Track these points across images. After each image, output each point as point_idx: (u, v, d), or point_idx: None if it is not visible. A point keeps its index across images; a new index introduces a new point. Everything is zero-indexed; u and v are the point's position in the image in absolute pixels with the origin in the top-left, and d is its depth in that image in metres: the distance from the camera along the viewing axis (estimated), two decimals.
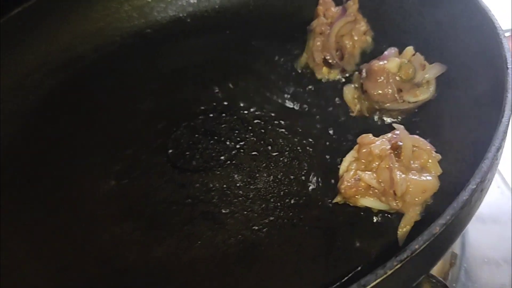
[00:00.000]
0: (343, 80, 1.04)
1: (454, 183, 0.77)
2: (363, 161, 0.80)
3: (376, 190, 0.77)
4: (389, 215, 0.80)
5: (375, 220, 0.80)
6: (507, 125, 0.66)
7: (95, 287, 0.79)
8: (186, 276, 0.78)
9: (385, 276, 0.56)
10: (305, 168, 0.89)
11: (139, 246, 0.83)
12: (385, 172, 0.76)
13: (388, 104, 0.91)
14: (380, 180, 0.76)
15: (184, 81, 1.12)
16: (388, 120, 0.94)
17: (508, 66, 0.72)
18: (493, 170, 0.66)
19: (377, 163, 0.78)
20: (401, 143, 0.78)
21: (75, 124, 1.07)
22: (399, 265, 0.56)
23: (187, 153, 0.96)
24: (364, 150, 0.80)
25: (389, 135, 0.81)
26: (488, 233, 0.92)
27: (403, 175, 0.75)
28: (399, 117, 0.92)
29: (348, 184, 0.78)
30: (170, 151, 0.97)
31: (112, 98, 1.11)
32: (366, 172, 0.78)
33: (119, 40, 1.24)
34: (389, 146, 0.78)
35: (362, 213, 0.81)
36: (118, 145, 1.00)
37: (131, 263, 0.81)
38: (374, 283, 0.56)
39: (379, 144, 0.79)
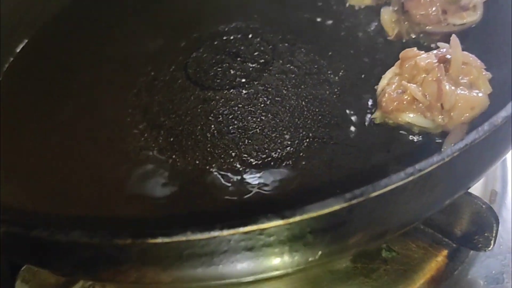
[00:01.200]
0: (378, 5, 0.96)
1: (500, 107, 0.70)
2: (406, 76, 0.74)
3: (420, 105, 0.70)
4: (430, 136, 0.73)
5: (415, 140, 0.74)
6: None
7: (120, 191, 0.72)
8: (210, 190, 0.72)
9: (441, 163, 0.49)
10: (337, 90, 0.83)
11: (162, 154, 0.78)
12: (432, 85, 0.70)
13: (430, 27, 0.84)
14: (426, 94, 0.70)
15: (210, 4, 1.04)
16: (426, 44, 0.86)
17: None
18: None
19: (422, 76, 0.71)
20: (449, 57, 0.71)
21: (96, 38, 1.02)
22: (457, 153, 0.49)
23: (210, 72, 0.89)
24: (407, 65, 0.74)
25: (434, 51, 0.74)
26: None
27: (452, 87, 0.68)
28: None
29: (390, 96, 0.71)
30: (191, 70, 0.90)
31: (132, 14, 1.05)
32: (411, 84, 0.70)
33: None
34: (436, 60, 0.71)
35: (400, 132, 0.75)
36: (138, 61, 0.94)
37: (153, 172, 0.75)
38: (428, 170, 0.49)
39: (426, 56, 0.72)
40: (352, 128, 0.77)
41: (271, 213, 0.49)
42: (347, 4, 0.98)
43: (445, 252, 0.75)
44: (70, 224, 0.64)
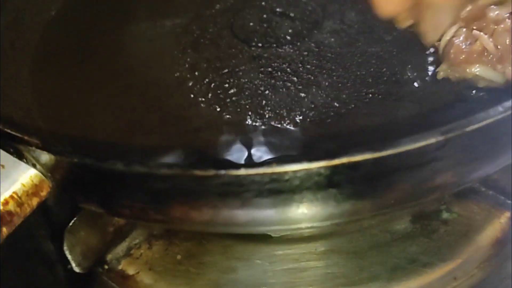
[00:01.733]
0: None
1: None
2: (472, 27, 0.70)
3: (491, 57, 0.67)
4: (496, 91, 0.69)
5: (480, 95, 0.70)
6: None
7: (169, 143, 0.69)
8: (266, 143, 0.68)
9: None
10: (392, 48, 0.80)
11: (212, 107, 0.74)
12: (504, 35, 0.66)
13: None
14: (497, 45, 0.66)
15: None
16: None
17: None
18: None
19: (491, 27, 0.68)
20: None
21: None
22: None
23: (257, 30, 0.86)
24: (475, 16, 0.69)
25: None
26: None
27: None
28: None
29: (460, 46, 0.67)
30: (237, 29, 0.87)
31: None
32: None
33: None
34: (506, 12, 0.68)
35: (465, 87, 0.71)
36: (180, 21, 0.90)
37: (205, 128, 0.71)
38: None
39: (495, 8, 0.68)
40: (413, 84, 0.73)
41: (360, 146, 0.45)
42: None
43: (508, 214, 0.72)
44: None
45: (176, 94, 0.77)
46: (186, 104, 0.75)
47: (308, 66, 0.79)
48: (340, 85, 0.75)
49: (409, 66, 0.77)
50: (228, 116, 0.72)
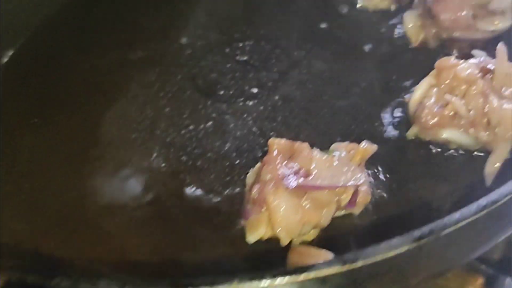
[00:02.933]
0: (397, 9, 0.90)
1: None
2: (443, 87, 0.67)
3: (462, 121, 0.64)
4: (471, 154, 0.68)
5: (452, 158, 0.68)
6: None
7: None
8: (227, 209, 0.65)
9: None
10: (360, 102, 0.77)
11: (175, 178, 0.70)
12: (477, 98, 0.64)
13: (458, 33, 0.78)
14: (469, 108, 0.63)
15: (216, 4, 0.96)
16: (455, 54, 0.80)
17: None
18: None
19: (463, 88, 0.65)
20: (490, 66, 0.65)
21: (92, 44, 0.93)
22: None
23: (221, 82, 0.82)
24: (445, 75, 0.67)
25: (472, 60, 0.68)
26: None
27: (500, 101, 0.62)
28: (471, 51, 0.79)
29: (430, 111, 0.64)
30: (200, 80, 0.83)
31: (133, 17, 0.96)
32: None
33: None
34: (477, 70, 0.65)
35: (437, 150, 0.69)
36: (140, 70, 0.85)
37: (164, 195, 0.67)
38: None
39: (466, 65, 0.66)
40: (383, 143, 0.70)
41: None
42: (358, 5, 0.91)
43: (481, 280, 0.69)
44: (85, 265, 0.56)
45: (134, 157, 0.72)
46: (146, 170, 0.71)
47: (274, 124, 0.75)
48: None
49: (378, 123, 0.74)
50: (192, 187, 0.68)
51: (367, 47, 0.85)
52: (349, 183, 0.56)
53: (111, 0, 1.00)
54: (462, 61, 0.68)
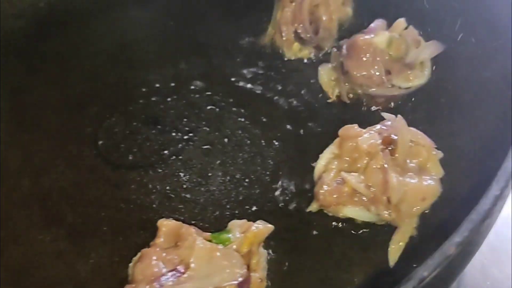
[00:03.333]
0: (317, 59, 0.85)
1: (455, 187, 0.63)
2: (346, 158, 0.64)
3: (363, 197, 0.59)
4: (376, 228, 0.63)
5: (359, 233, 0.64)
6: None
7: None
8: None
9: None
10: (270, 166, 0.72)
11: (62, 259, 0.65)
12: (377, 174, 0.59)
13: (373, 89, 0.74)
14: (369, 184, 0.59)
15: (124, 57, 0.91)
16: (373, 108, 0.75)
17: None
18: None
19: (365, 161, 0.60)
20: (395, 137, 0.61)
21: None
22: None
23: (122, 145, 0.77)
24: (348, 145, 0.63)
25: (378, 126, 0.64)
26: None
27: (400, 178, 0.57)
28: (389, 104, 0.74)
29: (328, 189, 0.60)
30: (101, 142, 0.77)
31: (35, 80, 0.88)
32: (352, 173, 0.59)
33: (45, 6, 1.01)
34: (380, 140, 0.60)
35: (343, 224, 0.64)
36: (38, 134, 0.79)
37: (52, 279, 0.64)
38: None
39: (368, 137, 0.62)
40: (286, 217, 0.66)
41: None
42: (285, 58, 0.85)
43: None
44: None
45: (20, 238, 0.68)
46: (32, 253, 0.66)
47: (174, 194, 0.71)
48: (203, 223, 0.67)
49: (287, 193, 0.69)
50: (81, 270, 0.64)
51: (283, 103, 0.80)
52: (225, 284, 0.51)
53: None
54: (365, 130, 0.63)
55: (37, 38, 0.95)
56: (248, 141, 0.76)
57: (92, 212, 0.69)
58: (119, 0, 0.99)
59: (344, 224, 0.64)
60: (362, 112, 0.76)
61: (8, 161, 0.77)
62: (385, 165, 0.59)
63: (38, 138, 0.79)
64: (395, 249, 0.60)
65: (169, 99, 0.82)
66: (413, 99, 0.76)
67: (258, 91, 0.83)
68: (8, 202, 0.72)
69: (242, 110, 0.80)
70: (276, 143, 0.75)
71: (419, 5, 0.81)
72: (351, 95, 0.77)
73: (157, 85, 0.85)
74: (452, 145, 0.69)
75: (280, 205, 0.68)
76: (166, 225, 0.59)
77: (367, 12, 0.86)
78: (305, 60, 0.86)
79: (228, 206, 0.68)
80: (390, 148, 0.62)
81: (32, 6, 1.01)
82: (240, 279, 0.52)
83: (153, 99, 0.83)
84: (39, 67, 0.91)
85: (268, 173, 0.72)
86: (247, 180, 0.71)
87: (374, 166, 0.60)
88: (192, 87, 0.84)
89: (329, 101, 0.79)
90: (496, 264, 0.76)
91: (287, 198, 0.68)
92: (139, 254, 0.58)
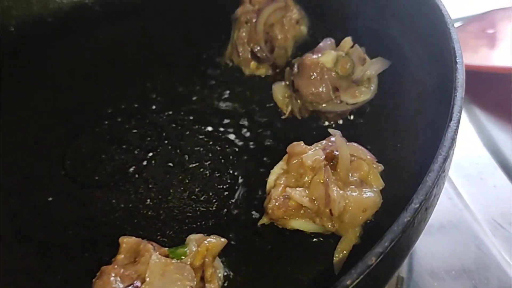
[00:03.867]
0: (273, 76, 0.91)
1: (399, 196, 0.65)
2: (293, 174, 0.67)
3: (308, 210, 0.64)
4: (324, 237, 0.67)
5: (308, 242, 0.68)
6: (456, 130, 0.55)
7: None
8: None
9: None
10: (228, 182, 0.76)
11: (31, 275, 0.69)
12: (320, 188, 0.63)
13: (323, 105, 0.78)
14: (313, 198, 0.64)
15: (89, 78, 0.95)
16: (324, 123, 0.80)
17: (457, 60, 0.60)
18: (440, 184, 0.56)
19: (309, 176, 0.65)
20: (337, 153, 0.65)
21: None
22: None
23: (89, 165, 0.81)
24: (294, 161, 0.67)
25: (324, 142, 0.69)
26: (439, 249, 0.81)
27: (340, 191, 0.62)
28: (339, 119, 0.79)
29: (276, 203, 0.65)
30: (69, 162, 0.81)
31: (3, 98, 0.93)
32: (297, 188, 0.65)
33: (15, 30, 1.05)
34: (323, 156, 0.65)
35: (292, 235, 0.68)
36: (6, 155, 0.83)
37: None
38: None
39: (312, 154, 0.66)
40: (242, 230, 0.70)
41: None
42: (247, 73, 0.90)
43: None
44: None
45: None
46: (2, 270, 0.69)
47: (136, 211, 0.74)
48: (164, 237, 0.71)
49: (241, 207, 0.73)
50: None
51: (244, 118, 0.84)
52: None
53: None
54: (311, 147, 0.68)
55: (3, 61, 0.99)
56: (207, 158, 0.80)
57: (60, 229, 0.73)
58: (83, 22, 1.03)
59: (294, 234, 0.68)
60: (313, 127, 0.81)
61: None
62: (327, 180, 0.63)
63: (6, 160, 0.83)
64: (339, 259, 0.64)
65: (133, 119, 0.86)
66: (360, 114, 0.80)
67: (219, 108, 0.87)
68: None
69: (202, 127, 0.84)
70: (234, 159, 0.79)
71: (366, 24, 0.86)
72: (305, 113, 0.81)
73: (122, 106, 0.88)
74: (397, 157, 0.73)
75: (235, 218, 0.71)
76: (126, 242, 0.62)
77: (321, 30, 0.91)
78: (263, 77, 0.91)
79: (187, 221, 0.72)
80: (332, 163, 0.66)
81: (1, 30, 1.04)
82: None
83: (118, 119, 0.86)
84: (5, 89, 0.94)
85: (225, 188, 0.75)
86: (205, 195, 0.75)
87: (318, 181, 0.64)
88: (154, 107, 0.88)
89: (283, 117, 0.83)
90: None
91: (242, 211, 0.72)
92: (103, 268, 0.62)
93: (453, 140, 0.55)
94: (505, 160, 0.88)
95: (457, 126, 0.56)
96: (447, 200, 0.85)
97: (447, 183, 0.87)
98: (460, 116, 0.57)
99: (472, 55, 0.99)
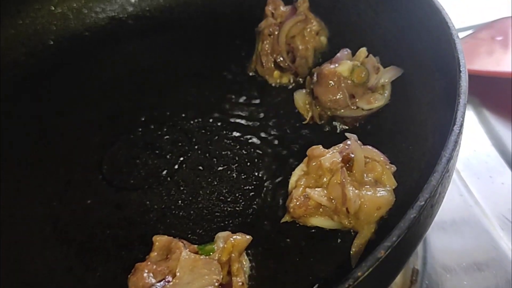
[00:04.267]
0: (295, 84, 0.97)
1: (410, 195, 0.70)
2: (313, 175, 0.73)
3: (327, 208, 0.70)
4: (342, 233, 0.73)
5: (327, 238, 0.73)
6: (459, 133, 0.60)
7: None
8: None
9: None
10: (253, 183, 0.82)
11: (72, 274, 0.74)
12: (337, 188, 0.69)
13: (341, 111, 0.84)
14: (331, 197, 0.70)
15: (124, 89, 1.03)
16: (342, 127, 0.86)
17: (461, 69, 0.66)
18: (444, 183, 0.60)
19: (327, 177, 0.71)
20: (353, 155, 0.71)
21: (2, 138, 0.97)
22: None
23: (124, 169, 0.87)
24: (313, 164, 0.73)
25: (341, 145, 0.74)
26: (452, 244, 0.86)
27: (356, 191, 0.68)
28: (355, 124, 0.85)
29: (297, 203, 0.71)
30: (106, 167, 0.88)
31: (44, 109, 1.02)
32: (316, 188, 0.71)
33: (54, 44, 1.13)
34: (340, 159, 0.71)
35: (313, 231, 0.74)
36: (49, 163, 0.91)
37: None
38: None
39: (330, 156, 0.72)
40: (267, 227, 0.76)
41: None
42: (270, 82, 0.97)
43: None
44: None
45: (36, 257, 0.77)
46: (46, 270, 0.75)
47: (169, 211, 0.80)
48: (194, 235, 0.77)
49: (266, 207, 0.79)
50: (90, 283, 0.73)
51: (268, 125, 0.91)
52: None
53: None
54: (329, 150, 0.74)
55: (44, 74, 1.08)
56: (234, 161, 0.86)
57: (98, 231, 0.79)
58: (117, 36, 1.11)
59: (314, 231, 0.74)
60: (332, 131, 0.86)
61: (22, 189, 0.87)
62: (343, 181, 0.69)
63: (49, 167, 0.90)
64: (355, 252, 0.69)
65: (165, 126, 0.93)
66: (375, 118, 0.86)
67: (244, 115, 0.93)
68: (23, 225, 0.82)
69: (230, 133, 0.90)
70: (259, 162, 0.85)
71: (380, 35, 0.92)
72: (325, 118, 0.87)
73: (155, 114, 0.96)
74: (408, 158, 0.79)
75: (260, 216, 0.77)
76: (159, 240, 0.69)
77: (340, 41, 0.97)
78: (286, 85, 0.97)
79: (215, 220, 0.77)
80: (349, 164, 0.72)
81: (42, 44, 1.13)
82: (216, 284, 0.63)
83: (151, 127, 0.94)
84: (46, 101, 1.02)
85: (251, 188, 0.81)
86: (232, 196, 0.81)
87: (335, 181, 0.70)
88: (184, 114, 0.95)
89: (304, 122, 0.89)
90: None
91: (267, 210, 0.78)
92: (137, 265, 0.69)
93: (456, 142, 0.60)
94: None
95: (460, 130, 0.61)
96: (458, 197, 0.90)
97: (458, 181, 0.92)
98: (463, 121, 0.62)
99: (483, 60, 1.04)
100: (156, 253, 0.68)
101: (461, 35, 1.19)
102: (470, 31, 1.18)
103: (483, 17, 1.22)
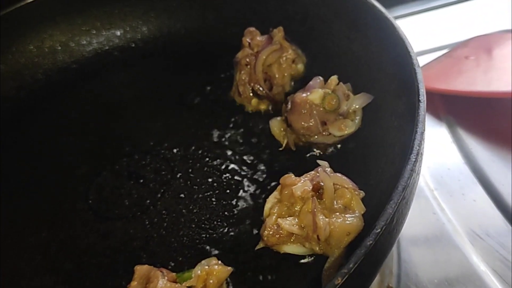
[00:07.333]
0: (274, 111, 1.00)
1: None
2: (285, 203, 0.77)
3: (299, 236, 0.74)
4: (314, 258, 0.76)
5: (302, 262, 0.76)
6: (415, 162, 0.63)
7: None
8: None
9: None
10: (233, 210, 0.85)
11: None
12: (308, 217, 0.72)
13: (314, 137, 0.88)
14: (302, 225, 0.73)
15: (110, 119, 1.07)
16: (318, 152, 0.89)
17: (420, 99, 0.69)
18: (401, 210, 0.63)
19: (299, 206, 0.75)
20: (323, 184, 0.74)
21: None
22: None
23: (110, 199, 0.91)
24: (286, 192, 0.76)
25: (312, 173, 0.78)
26: (424, 261, 0.89)
27: (326, 219, 0.71)
28: (329, 149, 0.88)
29: (270, 232, 0.74)
30: (92, 197, 0.92)
31: (33, 142, 1.06)
32: (287, 218, 0.74)
33: (43, 77, 1.18)
34: (311, 187, 0.74)
35: (287, 256, 0.76)
36: (37, 194, 0.95)
37: None
38: None
39: (301, 185, 0.75)
40: (244, 253, 0.79)
41: None
42: (249, 110, 1.01)
43: None
44: None
45: (27, 285, 0.81)
46: None
47: (151, 241, 0.84)
48: (176, 262, 0.80)
49: (242, 235, 0.82)
50: None
51: (244, 149, 0.95)
52: None
53: None
54: (300, 178, 0.77)
55: (33, 107, 1.12)
56: (215, 188, 0.89)
57: (85, 260, 0.82)
58: (103, 67, 1.16)
59: (288, 256, 0.76)
60: (306, 157, 0.90)
61: (13, 221, 0.91)
62: (314, 210, 0.72)
63: (37, 199, 0.94)
64: (326, 275, 0.72)
65: (148, 156, 0.97)
66: (347, 144, 0.89)
67: (225, 143, 0.97)
68: (13, 255, 0.86)
69: (211, 161, 0.94)
70: (239, 188, 0.88)
71: (354, 60, 0.95)
72: (299, 144, 0.91)
73: (139, 144, 0.99)
74: (378, 180, 0.81)
75: (237, 243, 0.80)
76: (139, 269, 0.72)
77: (316, 67, 1.01)
78: (265, 112, 1.01)
79: (196, 247, 0.81)
80: (319, 192, 0.75)
81: (31, 78, 1.17)
82: None
83: (136, 156, 0.97)
84: (34, 133, 1.08)
85: (230, 215, 0.84)
86: (212, 223, 0.84)
87: (306, 210, 0.73)
88: (167, 143, 0.98)
89: (280, 149, 0.93)
90: None
91: (244, 236, 0.81)
92: None
93: (412, 171, 0.63)
94: (484, 176, 0.96)
95: (417, 158, 0.64)
96: (431, 215, 0.93)
97: (432, 200, 0.96)
98: (419, 149, 0.65)
99: (456, 80, 1.07)
100: (136, 282, 0.71)
101: (437, 54, 1.23)
102: (446, 50, 1.21)
103: (460, 35, 1.25)
